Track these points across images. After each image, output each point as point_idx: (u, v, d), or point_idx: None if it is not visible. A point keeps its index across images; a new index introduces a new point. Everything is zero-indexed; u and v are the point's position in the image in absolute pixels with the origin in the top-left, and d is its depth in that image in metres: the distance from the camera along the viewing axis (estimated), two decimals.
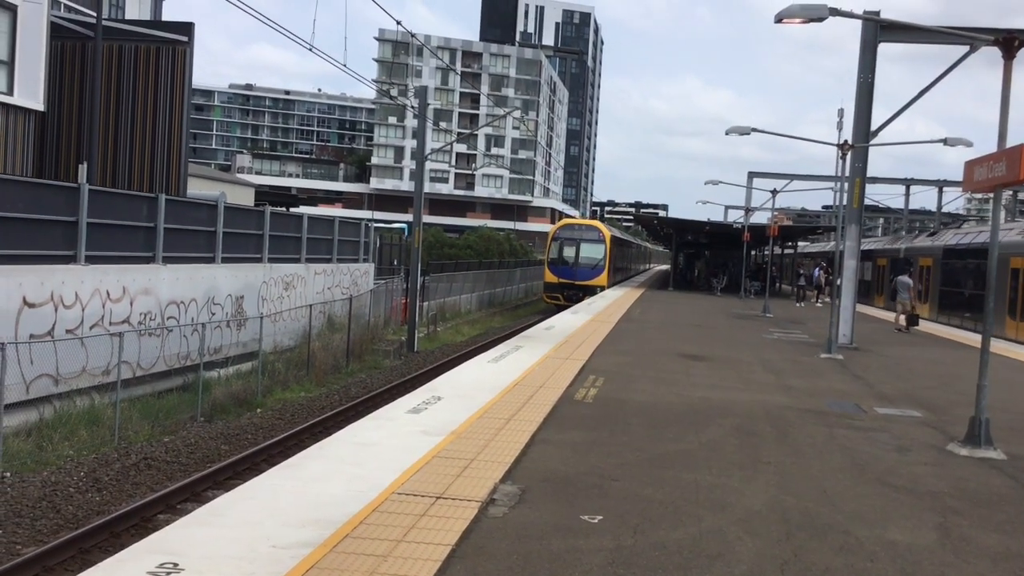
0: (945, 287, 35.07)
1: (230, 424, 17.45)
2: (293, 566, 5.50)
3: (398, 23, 20.38)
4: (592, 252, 43.69)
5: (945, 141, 22.62)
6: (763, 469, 8.80)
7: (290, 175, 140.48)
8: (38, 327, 16.12)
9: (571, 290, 42.19)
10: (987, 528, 7.22)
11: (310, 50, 20.16)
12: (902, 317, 27.54)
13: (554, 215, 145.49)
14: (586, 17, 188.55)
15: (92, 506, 11.95)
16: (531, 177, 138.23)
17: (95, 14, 24.83)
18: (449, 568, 5.66)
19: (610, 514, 6.98)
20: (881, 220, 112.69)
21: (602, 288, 42.65)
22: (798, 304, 41.03)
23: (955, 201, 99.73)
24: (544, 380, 13.50)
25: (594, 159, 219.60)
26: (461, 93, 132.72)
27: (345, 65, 19.96)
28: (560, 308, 35.62)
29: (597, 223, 50.48)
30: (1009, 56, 10.33)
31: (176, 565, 5.39)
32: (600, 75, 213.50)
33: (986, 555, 6.54)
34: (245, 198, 46.47)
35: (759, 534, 6.72)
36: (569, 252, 43.77)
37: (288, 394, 21.20)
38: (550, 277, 44.05)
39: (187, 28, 28.11)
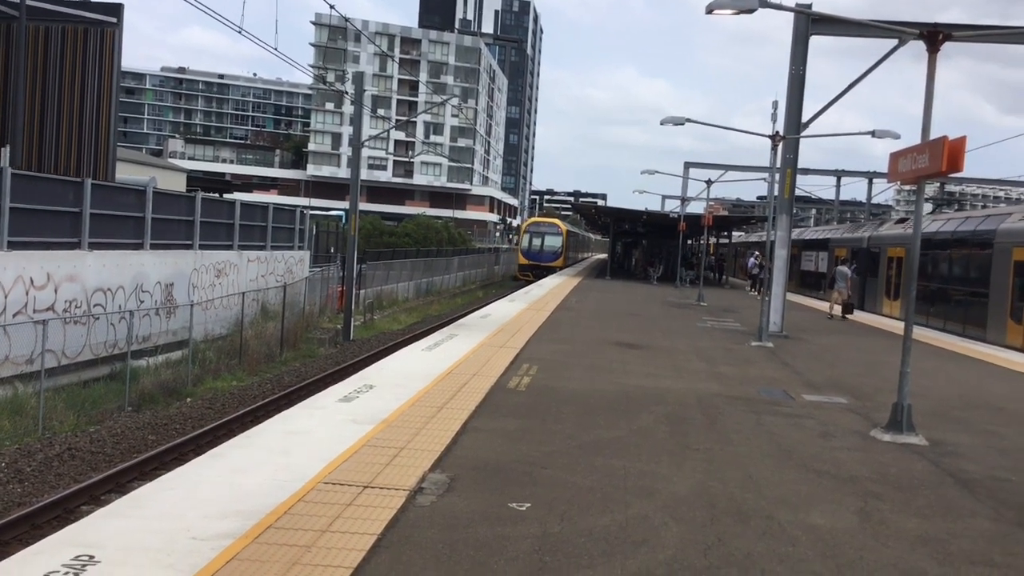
0: (921, 281, 31.08)
1: (158, 414, 17.12)
2: (212, 557, 5.39)
3: (332, 7, 20.08)
4: (553, 242, 58.19)
5: (873, 133, 23.07)
6: (691, 455, 8.89)
7: (224, 161, 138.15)
8: None
9: (538, 269, 54.71)
10: (907, 512, 7.38)
11: (240, 32, 19.80)
12: (836, 307, 28.44)
13: (493, 203, 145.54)
14: (525, 5, 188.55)
15: (13, 497, 11.64)
16: (470, 165, 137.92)
17: None
18: (373, 558, 5.60)
19: (538, 501, 6.98)
20: (813, 211, 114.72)
21: (560, 268, 55.50)
22: (750, 292, 42.44)
23: (884, 192, 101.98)
24: (478, 368, 13.48)
25: (533, 148, 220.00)
26: (400, 80, 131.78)
27: (276, 48, 19.68)
28: (529, 283, 43.89)
29: (557, 221, 64.28)
30: (933, 49, 10.54)
31: (92, 557, 5.25)
32: (539, 64, 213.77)
33: (904, 538, 6.69)
34: (177, 183, 45.57)
35: (684, 520, 6.78)
36: (536, 242, 58.18)
37: (219, 383, 20.87)
38: (523, 260, 58.61)
39: (116, 9, 27.44)
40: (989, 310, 24.36)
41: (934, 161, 9.76)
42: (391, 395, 10.90)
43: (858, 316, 29.85)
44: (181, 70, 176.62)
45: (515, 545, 5.99)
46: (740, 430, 10.33)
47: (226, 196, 42.02)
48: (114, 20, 27.33)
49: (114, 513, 6.19)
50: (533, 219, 68.37)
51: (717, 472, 8.29)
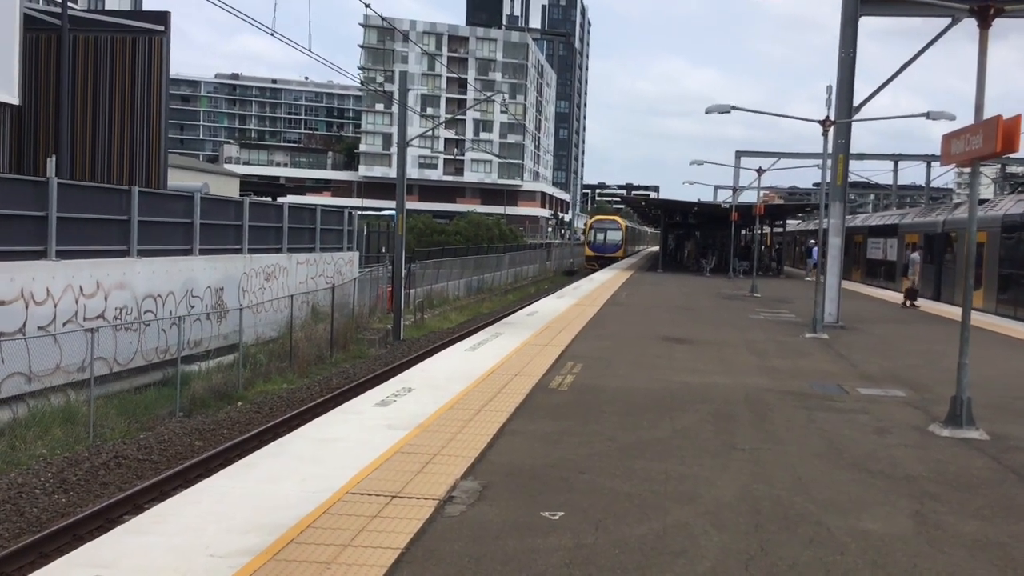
0: (1006, 269, 27.56)
1: (208, 419, 17.17)
2: None
3: (367, 6, 19.97)
4: (614, 236, 67.35)
5: (928, 115, 22.32)
6: (737, 456, 8.54)
7: (278, 164, 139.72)
8: (8, 325, 15.83)
9: (602, 260, 62.43)
10: (965, 514, 6.97)
11: (272, 35, 19.79)
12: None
13: (544, 199, 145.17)
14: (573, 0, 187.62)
15: (57, 508, 11.68)
16: (520, 161, 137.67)
17: (62, 4, 24.38)
18: (394, 574, 5.38)
19: (573, 509, 6.71)
20: (872, 196, 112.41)
21: (621, 258, 64.23)
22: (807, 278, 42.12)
23: (944, 176, 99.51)
24: (520, 368, 13.23)
25: (583, 142, 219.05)
26: (448, 78, 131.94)
27: (310, 50, 19.64)
28: (595, 271, 50.39)
29: (617, 218, 74.32)
30: (984, 25, 10.03)
31: None
32: (587, 57, 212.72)
33: (962, 544, 6.29)
34: (230, 188, 46.07)
35: (726, 527, 6.46)
36: (600, 236, 67.34)
37: (270, 386, 20.92)
38: (589, 252, 67.23)
39: (163, 17, 27.69)
40: None
41: (988, 142, 9.28)
42: (429, 398, 10.70)
43: (933, 307, 28.41)
44: (235, 76, 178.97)
45: (544, 559, 5.73)
46: (790, 428, 9.94)
47: (279, 199, 42.33)
48: (161, 28, 27.55)
49: (133, 529, 6.06)
50: (597, 217, 76.86)
51: (763, 474, 7.94)
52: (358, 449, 8.19)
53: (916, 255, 28.88)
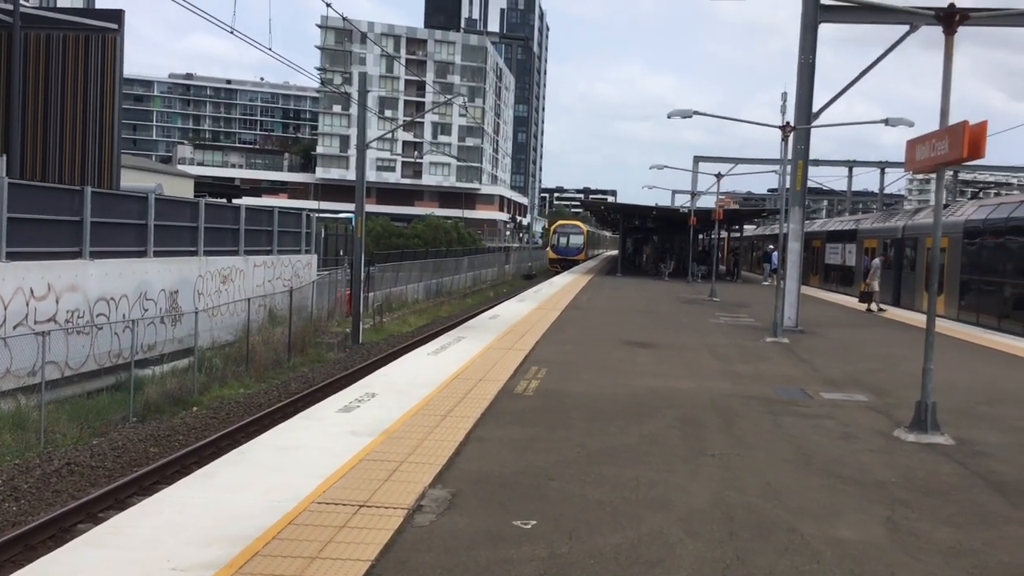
0: (968, 275, 26.66)
1: (162, 424, 16.79)
2: None
3: (328, 5, 19.71)
4: (576, 240, 71.65)
5: (887, 121, 22.56)
6: (707, 462, 8.47)
7: (233, 166, 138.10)
8: None
9: (565, 262, 66.07)
10: (937, 521, 6.94)
11: (232, 33, 19.46)
12: (874, 302, 28.07)
13: (503, 202, 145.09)
14: (531, 3, 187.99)
15: (8, 517, 11.30)
16: (479, 165, 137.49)
17: (13, 1, 23.81)
18: None
19: (545, 518, 6.58)
20: (825, 202, 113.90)
21: (582, 261, 68.10)
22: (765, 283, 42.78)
23: (897, 182, 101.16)
24: (484, 372, 13.08)
25: (542, 145, 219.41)
26: (406, 81, 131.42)
27: (270, 48, 19.30)
28: (557, 273, 54.07)
29: (579, 223, 79.56)
30: (950, 31, 10.08)
31: None
32: (546, 61, 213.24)
33: (937, 551, 6.25)
34: (184, 190, 45.41)
35: (701, 535, 6.37)
36: (563, 240, 71.73)
37: (226, 391, 20.54)
38: (552, 255, 72.08)
39: (117, 15, 27.17)
40: None
41: (954, 148, 9.32)
42: (394, 403, 10.51)
43: (892, 312, 28.24)
44: (189, 76, 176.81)
45: (518, 569, 5.58)
46: (757, 433, 9.90)
47: (235, 201, 41.76)
48: (115, 26, 27.02)
49: (91, 542, 5.81)
50: (560, 222, 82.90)
51: (735, 480, 7.87)
52: (322, 457, 7.98)
53: (877, 260, 29.13)
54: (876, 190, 58.83)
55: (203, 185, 53.57)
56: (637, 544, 6.13)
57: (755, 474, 8.11)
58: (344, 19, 21.99)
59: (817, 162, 55.97)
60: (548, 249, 76.54)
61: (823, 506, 7.21)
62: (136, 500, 11.96)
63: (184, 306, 23.23)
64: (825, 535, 6.48)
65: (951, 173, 57.28)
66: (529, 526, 6.39)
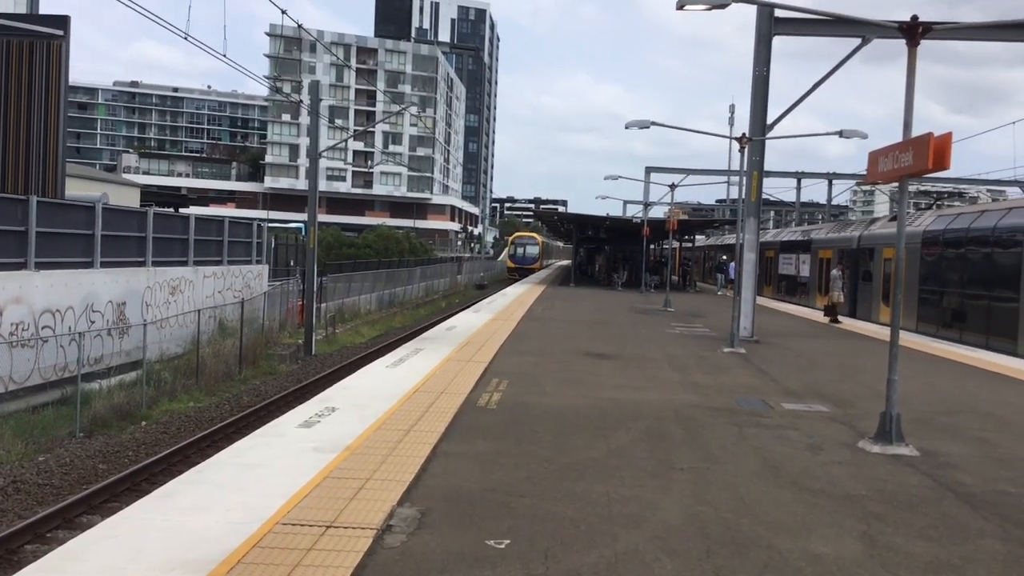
0: (927, 285, 26.41)
1: (111, 440, 16.32)
2: None
3: (283, 12, 19.41)
4: (532, 250, 77.86)
5: (841, 133, 22.80)
6: (677, 477, 8.35)
7: (180, 175, 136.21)
8: None
9: (522, 271, 72.74)
10: (912, 535, 6.88)
11: (186, 39, 19.08)
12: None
13: (454, 212, 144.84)
14: (481, 13, 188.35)
15: None
16: (430, 174, 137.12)
17: None
18: None
19: (518, 537, 6.40)
20: (772, 213, 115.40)
21: (538, 269, 74.57)
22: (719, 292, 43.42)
23: (843, 194, 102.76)
24: (445, 385, 12.88)
25: (493, 156, 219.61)
26: (357, 90, 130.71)
27: (225, 55, 18.94)
28: (514, 280, 58.37)
29: (535, 235, 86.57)
30: (913, 43, 10.13)
31: None
32: (497, 72, 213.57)
33: (915, 567, 6.17)
34: (130, 199, 44.50)
35: (678, 553, 6.23)
36: (520, 251, 78.21)
37: (176, 404, 20.07)
38: (510, 264, 78.50)
39: (63, 22, 26.53)
40: (1021, 318, 20.86)
41: (919, 159, 9.34)
42: (355, 417, 10.27)
43: (849, 323, 28.42)
44: (134, 84, 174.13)
45: None
46: (724, 445, 9.82)
47: (182, 210, 41.01)
48: (60, 32, 26.38)
49: (46, 568, 5.52)
50: (518, 234, 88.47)
51: (706, 495, 7.76)
52: (285, 474, 7.73)
53: (836, 271, 29.18)
54: (821, 201, 59.68)
55: (150, 194, 52.57)
56: (614, 563, 5.98)
57: (726, 488, 8.02)
58: (299, 26, 21.68)
59: (769, 173, 56.64)
60: (507, 259, 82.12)
61: (797, 521, 7.13)
62: (86, 519, 11.56)
63: (132, 318, 22.70)
64: (803, 551, 6.38)
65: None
66: (503, 546, 6.21)
